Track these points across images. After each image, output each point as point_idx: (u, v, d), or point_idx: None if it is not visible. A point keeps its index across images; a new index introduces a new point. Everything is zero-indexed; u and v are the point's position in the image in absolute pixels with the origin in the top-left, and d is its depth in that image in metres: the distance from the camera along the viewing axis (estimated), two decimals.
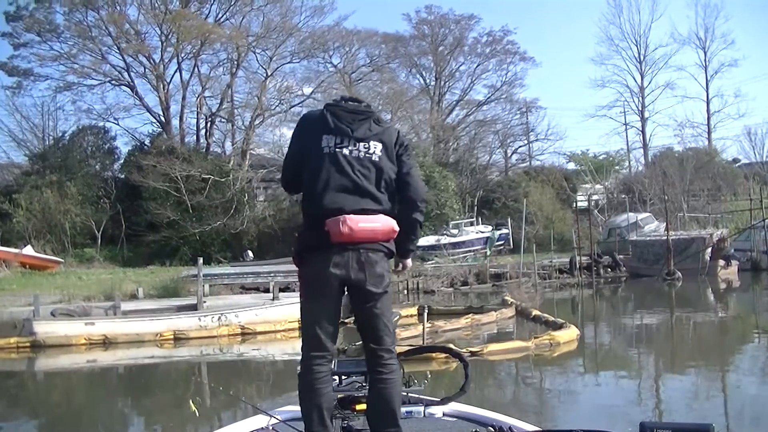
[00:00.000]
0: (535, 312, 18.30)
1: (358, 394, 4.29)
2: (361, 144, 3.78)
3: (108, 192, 39.08)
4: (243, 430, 4.26)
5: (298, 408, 3.90)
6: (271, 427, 4.26)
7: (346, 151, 3.74)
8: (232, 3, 42.17)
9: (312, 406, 3.76)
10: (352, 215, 3.61)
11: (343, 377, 4.52)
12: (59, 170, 38.26)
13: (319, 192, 3.68)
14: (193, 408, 4.53)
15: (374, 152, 3.79)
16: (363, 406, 4.15)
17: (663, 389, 11.40)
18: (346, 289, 3.75)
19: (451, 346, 11.52)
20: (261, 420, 4.35)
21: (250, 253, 35.04)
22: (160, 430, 10.39)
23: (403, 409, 4.14)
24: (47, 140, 43.22)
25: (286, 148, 4.14)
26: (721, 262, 30.07)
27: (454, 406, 4.49)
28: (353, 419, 4.17)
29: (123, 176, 41.14)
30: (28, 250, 31.31)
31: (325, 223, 3.62)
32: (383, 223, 3.72)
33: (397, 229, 3.80)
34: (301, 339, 3.89)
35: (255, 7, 42.01)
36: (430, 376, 4.75)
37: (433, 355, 10.85)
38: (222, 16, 42.89)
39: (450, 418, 4.39)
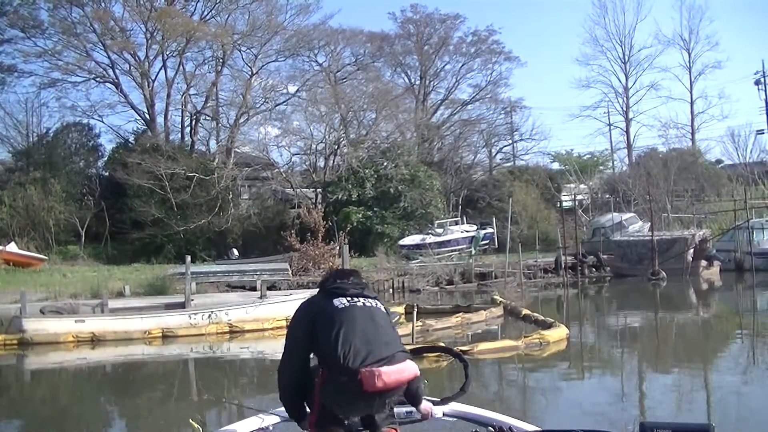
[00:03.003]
0: (525, 311, 18.38)
1: None
2: (372, 300, 3.93)
3: (92, 189, 38.79)
4: (243, 431, 4.27)
5: None
6: (271, 427, 4.28)
7: (360, 304, 3.84)
8: (218, 1, 42.03)
9: None
10: (385, 367, 3.59)
11: None
12: (43, 167, 37.92)
13: (344, 342, 3.65)
14: (196, 426, 4.49)
15: (380, 307, 3.94)
16: None
17: (654, 387, 11.48)
18: None
19: (443, 344, 11.60)
20: (261, 420, 4.36)
21: (236, 251, 35.00)
22: (156, 429, 10.36)
23: (404, 409, 4.17)
24: (31, 137, 42.85)
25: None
26: (704, 263, 30.36)
27: (454, 406, 4.50)
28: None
29: (107, 174, 40.97)
30: (12, 247, 31.00)
31: (360, 372, 3.56)
32: (410, 372, 3.74)
33: (418, 373, 3.83)
34: None
35: (240, 5, 41.96)
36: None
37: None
38: (207, 13, 42.79)
39: (450, 418, 4.42)
